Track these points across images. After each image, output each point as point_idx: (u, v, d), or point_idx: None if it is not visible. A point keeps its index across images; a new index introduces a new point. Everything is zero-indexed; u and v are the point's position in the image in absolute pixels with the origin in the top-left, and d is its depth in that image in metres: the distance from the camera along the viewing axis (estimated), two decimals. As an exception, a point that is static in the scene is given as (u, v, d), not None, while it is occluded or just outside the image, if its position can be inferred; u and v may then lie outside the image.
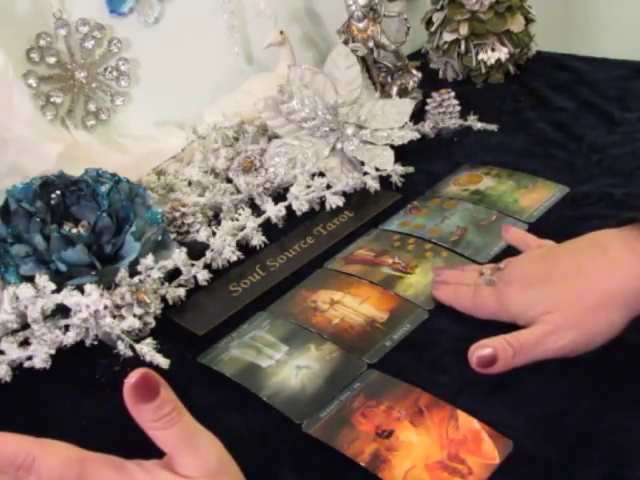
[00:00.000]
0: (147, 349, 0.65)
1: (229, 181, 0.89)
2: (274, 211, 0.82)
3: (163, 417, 0.40)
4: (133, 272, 0.70)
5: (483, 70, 1.10)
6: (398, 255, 0.75)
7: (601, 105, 0.98)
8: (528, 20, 1.10)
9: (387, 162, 0.88)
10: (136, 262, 0.70)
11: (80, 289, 0.67)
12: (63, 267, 0.68)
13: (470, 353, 0.54)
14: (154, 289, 0.71)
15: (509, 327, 0.58)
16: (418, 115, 0.98)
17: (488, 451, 0.52)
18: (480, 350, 0.53)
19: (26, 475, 0.39)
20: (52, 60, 0.89)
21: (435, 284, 0.68)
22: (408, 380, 0.59)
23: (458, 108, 0.98)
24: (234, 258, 0.77)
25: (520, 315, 0.59)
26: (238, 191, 0.87)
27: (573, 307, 0.55)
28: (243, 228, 0.80)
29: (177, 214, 0.79)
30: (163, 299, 0.72)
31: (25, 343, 0.67)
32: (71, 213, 0.74)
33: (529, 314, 0.57)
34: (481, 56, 1.09)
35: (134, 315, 0.67)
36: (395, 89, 1.03)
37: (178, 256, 0.73)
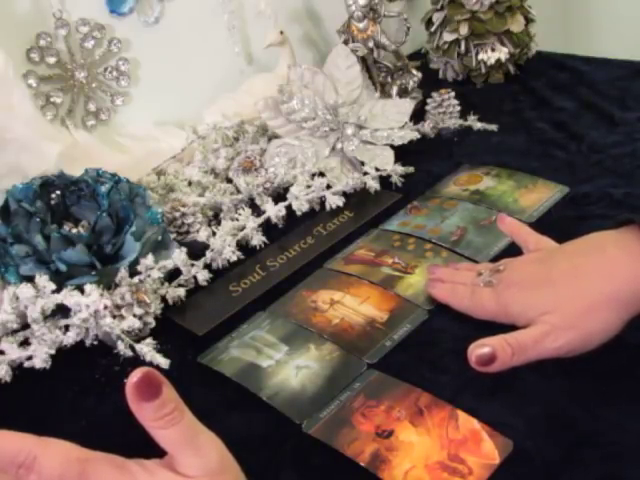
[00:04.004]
0: (147, 349, 0.65)
1: (229, 181, 0.89)
2: (274, 211, 0.82)
3: (165, 416, 0.41)
4: (133, 272, 0.70)
5: (483, 70, 1.10)
6: (398, 255, 0.75)
7: (601, 105, 0.98)
8: (528, 20, 1.10)
9: (387, 162, 0.88)
10: (136, 262, 0.71)
11: (80, 289, 0.67)
12: (63, 267, 0.68)
13: (469, 352, 0.54)
14: (154, 289, 0.71)
15: (509, 327, 0.58)
16: (418, 115, 0.98)
17: (488, 451, 0.52)
18: (479, 349, 0.54)
19: (27, 474, 0.39)
20: (52, 60, 0.88)
21: (430, 282, 0.68)
22: (408, 380, 0.59)
23: (458, 108, 0.98)
24: (234, 258, 0.77)
25: (519, 317, 0.59)
26: (238, 191, 0.87)
27: (570, 307, 0.56)
28: (243, 228, 0.80)
29: (177, 214, 0.79)
30: (163, 299, 0.72)
31: (25, 343, 0.67)
32: (71, 213, 0.74)
33: (528, 315, 0.58)
34: (481, 56, 1.09)
35: (134, 315, 0.67)
36: (395, 89, 1.03)
37: (178, 256, 0.73)
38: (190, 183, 0.89)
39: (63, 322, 0.67)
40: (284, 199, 0.83)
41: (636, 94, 0.99)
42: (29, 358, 0.66)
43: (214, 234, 0.79)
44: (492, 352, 0.53)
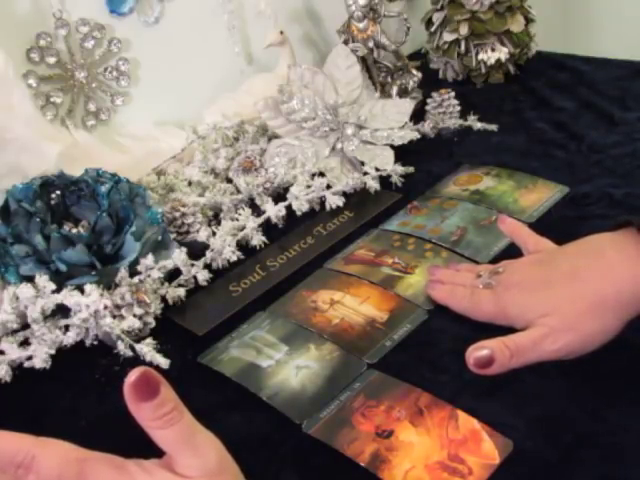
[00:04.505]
0: (147, 349, 0.65)
1: (229, 181, 0.89)
2: (274, 211, 0.82)
3: (163, 416, 0.40)
4: (133, 272, 0.70)
5: (483, 70, 1.10)
6: (398, 255, 0.75)
7: (601, 105, 0.98)
8: (528, 20, 1.10)
9: (387, 162, 0.88)
10: (136, 262, 0.71)
11: (80, 289, 0.67)
12: (63, 267, 0.68)
13: (468, 354, 0.54)
14: (154, 289, 0.71)
15: (508, 329, 0.58)
16: (418, 115, 0.98)
17: (488, 451, 0.52)
18: (478, 351, 0.54)
19: (25, 474, 0.39)
20: (52, 60, 0.88)
21: (430, 283, 0.68)
22: (408, 380, 0.59)
23: (458, 108, 0.98)
24: (234, 258, 0.77)
25: (518, 319, 0.59)
26: (238, 191, 0.87)
27: (569, 310, 0.56)
28: (243, 228, 0.80)
29: (177, 214, 0.79)
30: (163, 299, 0.72)
31: (25, 343, 0.67)
32: (71, 213, 0.74)
33: (527, 317, 0.58)
34: (481, 56, 1.09)
35: (134, 315, 0.67)
36: (395, 89, 1.03)
37: (178, 256, 0.73)
38: (190, 183, 0.89)
39: (63, 322, 0.67)
40: (284, 199, 0.83)
41: (636, 94, 0.99)
42: (29, 358, 0.66)
43: (214, 234, 0.79)
44: (490, 354, 0.53)
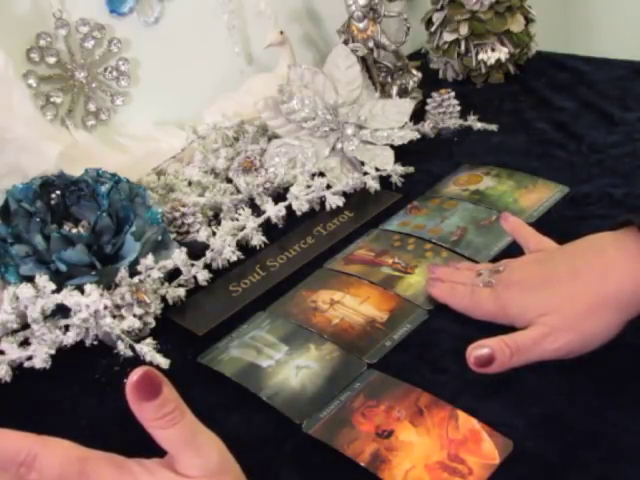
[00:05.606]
0: (147, 349, 0.65)
1: (229, 181, 0.89)
2: (274, 211, 0.82)
3: (165, 416, 0.40)
4: (133, 272, 0.70)
5: (483, 70, 1.10)
6: (398, 255, 0.75)
7: (601, 105, 0.98)
8: (528, 20, 1.10)
9: (387, 162, 0.88)
10: (136, 262, 0.71)
11: (80, 289, 0.67)
12: (63, 267, 0.68)
13: (468, 353, 0.54)
14: (154, 289, 0.71)
15: (509, 328, 0.58)
16: (418, 115, 0.98)
17: (488, 451, 0.52)
18: (478, 350, 0.54)
19: (27, 472, 0.39)
20: (52, 60, 0.89)
21: (430, 281, 0.68)
22: (408, 380, 0.59)
23: (458, 108, 0.98)
24: (234, 258, 0.77)
25: (518, 318, 0.59)
26: (238, 191, 0.87)
27: (569, 309, 0.56)
28: (243, 228, 0.80)
29: (177, 214, 0.79)
30: (163, 299, 0.72)
31: (25, 343, 0.67)
32: (71, 213, 0.74)
33: (527, 316, 0.58)
34: (481, 56, 1.09)
35: (134, 315, 0.67)
36: (395, 89, 1.03)
37: (178, 256, 0.73)
38: (190, 183, 0.89)
39: (63, 322, 0.67)
40: (284, 199, 0.83)
41: (636, 94, 0.99)
42: (29, 358, 0.66)
43: (214, 234, 0.79)
44: (491, 353, 0.53)
